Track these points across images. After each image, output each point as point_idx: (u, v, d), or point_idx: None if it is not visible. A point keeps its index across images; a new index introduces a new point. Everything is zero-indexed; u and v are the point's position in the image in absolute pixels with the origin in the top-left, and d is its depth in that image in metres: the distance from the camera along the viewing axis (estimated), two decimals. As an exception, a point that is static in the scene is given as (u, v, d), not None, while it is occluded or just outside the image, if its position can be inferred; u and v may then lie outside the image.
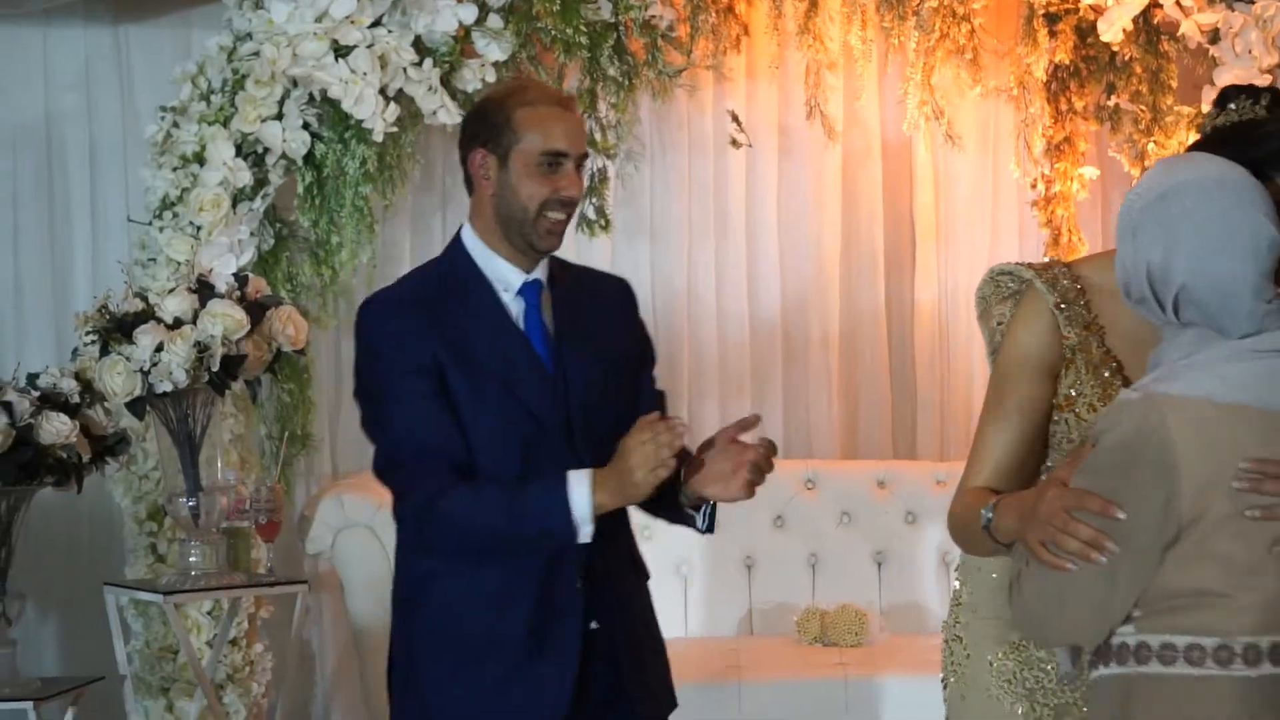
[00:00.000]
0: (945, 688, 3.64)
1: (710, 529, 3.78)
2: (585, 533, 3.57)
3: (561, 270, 3.87)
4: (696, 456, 3.69)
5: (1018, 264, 3.49)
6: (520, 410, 3.67)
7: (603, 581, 3.71)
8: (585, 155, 3.77)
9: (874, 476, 6.65)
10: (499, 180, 3.71)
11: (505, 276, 3.75)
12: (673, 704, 3.91)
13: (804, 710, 5.79)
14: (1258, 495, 2.83)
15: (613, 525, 3.69)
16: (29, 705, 5.06)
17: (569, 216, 3.74)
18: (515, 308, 3.74)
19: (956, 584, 3.68)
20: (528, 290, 3.75)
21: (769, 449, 3.62)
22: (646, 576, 3.91)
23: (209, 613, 5.90)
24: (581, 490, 3.55)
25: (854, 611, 6.21)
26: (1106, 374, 3.31)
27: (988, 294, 3.51)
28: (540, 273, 3.77)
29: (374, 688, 5.78)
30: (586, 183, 5.82)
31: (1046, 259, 3.54)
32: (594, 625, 3.70)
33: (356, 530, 5.76)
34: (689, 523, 3.78)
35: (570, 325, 3.77)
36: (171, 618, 5.42)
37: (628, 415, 3.73)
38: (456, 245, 3.81)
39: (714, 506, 3.74)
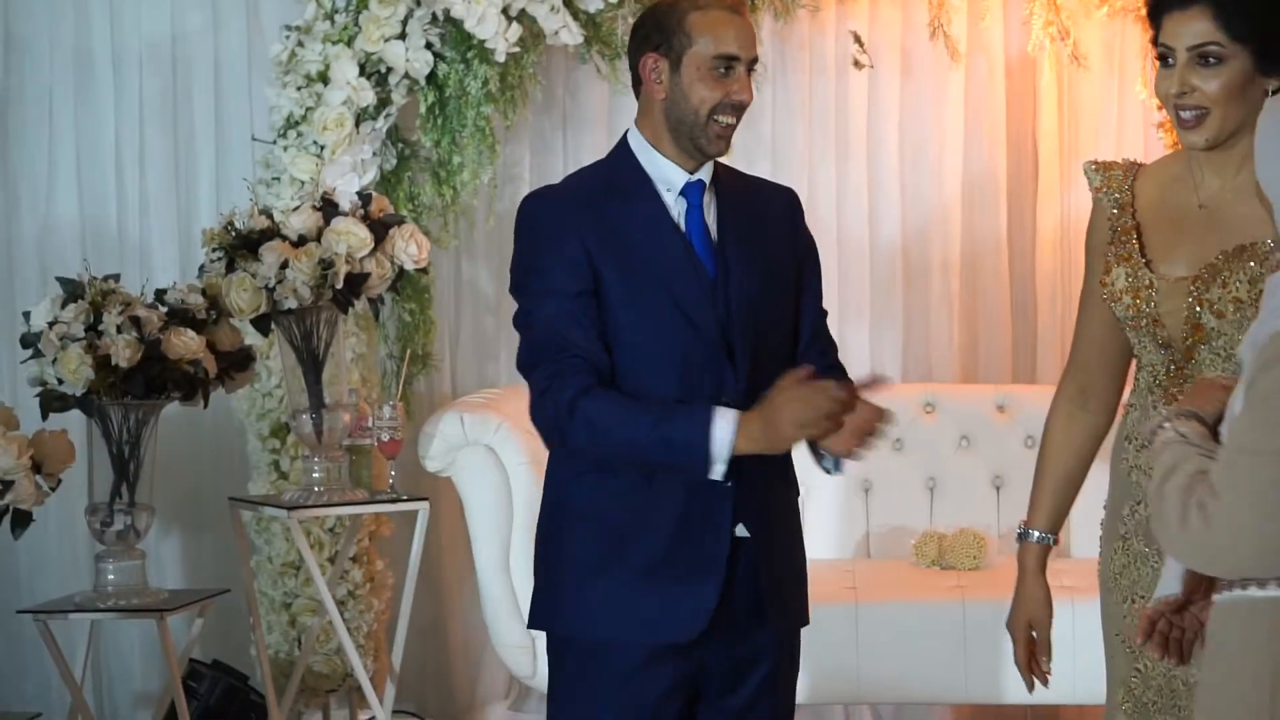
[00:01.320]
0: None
1: (835, 470, 3.80)
2: (718, 471, 3.57)
3: (728, 174, 3.87)
4: None
5: (1090, 161, 3.73)
6: (676, 312, 3.67)
7: (753, 489, 3.71)
8: (756, 59, 3.76)
9: (994, 400, 6.61)
10: (671, 84, 3.71)
11: (669, 176, 3.75)
12: (805, 620, 3.93)
13: (921, 632, 5.79)
14: None
15: None
16: (156, 617, 5.14)
17: (738, 120, 3.74)
18: (678, 208, 3.75)
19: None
20: (691, 190, 3.75)
21: (881, 414, 3.62)
22: (797, 492, 3.91)
23: (331, 530, 5.96)
24: (725, 430, 3.54)
25: (972, 535, 6.19)
26: (1125, 239, 3.54)
27: (1090, 188, 3.72)
28: (705, 174, 3.77)
29: (493, 606, 5.83)
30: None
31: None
32: (742, 533, 3.72)
33: (476, 449, 5.78)
34: (818, 462, 3.80)
35: (733, 229, 3.77)
36: (295, 533, 5.48)
37: (788, 327, 3.75)
38: (622, 146, 3.83)
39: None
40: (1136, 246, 3.49)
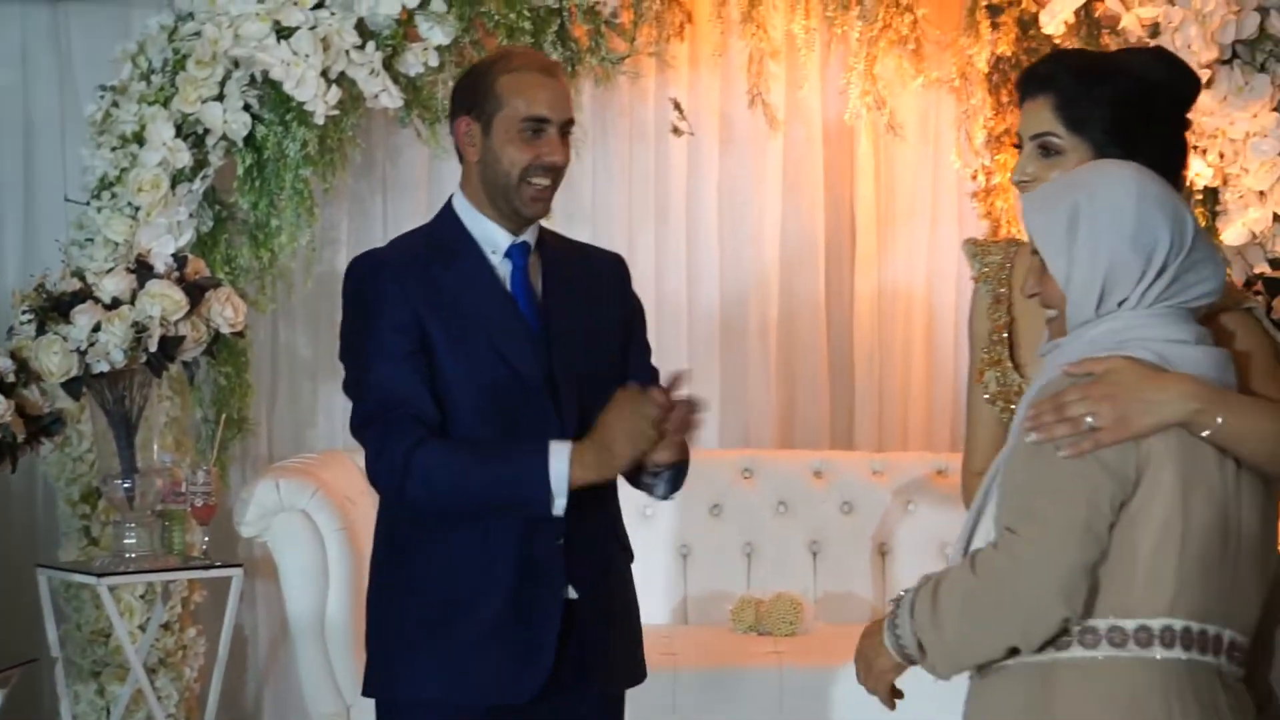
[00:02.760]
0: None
1: (666, 493, 3.82)
2: (559, 505, 3.59)
3: (554, 239, 3.90)
4: None
5: (971, 239, 3.67)
6: (503, 366, 3.68)
7: (583, 551, 3.72)
8: (570, 121, 3.77)
9: (811, 466, 6.66)
10: (483, 147, 3.73)
11: (493, 238, 3.76)
12: (641, 677, 3.96)
13: (738, 699, 5.79)
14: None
15: (597, 498, 3.71)
16: (-41, 687, 5.02)
17: (554, 183, 3.75)
18: (502, 269, 3.76)
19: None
20: (514, 252, 3.77)
21: (691, 406, 3.65)
22: (630, 555, 3.94)
23: (142, 596, 5.87)
24: (560, 462, 3.57)
25: (789, 600, 6.21)
26: (995, 340, 3.48)
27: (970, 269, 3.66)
28: (529, 236, 3.79)
29: (307, 673, 5.76)
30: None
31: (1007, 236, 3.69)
32: (572, 594, 3.71)
33: (292, 515, 5.72)
34: (650, 490, 3.81)
35: (559, 289, 3.79)
36: (105, 600, 5.40)
37: (615, 381, 3.74)
38: (447, 209, 3.84)
39: (674, 472, 3.77)
40: (1007, 349, 3.46)
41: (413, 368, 3.67)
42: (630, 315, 3.95)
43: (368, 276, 3.77)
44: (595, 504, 3.72)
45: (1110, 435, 2.84)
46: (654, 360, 6.66)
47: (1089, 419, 2.85)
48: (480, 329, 3.69)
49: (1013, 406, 3.39)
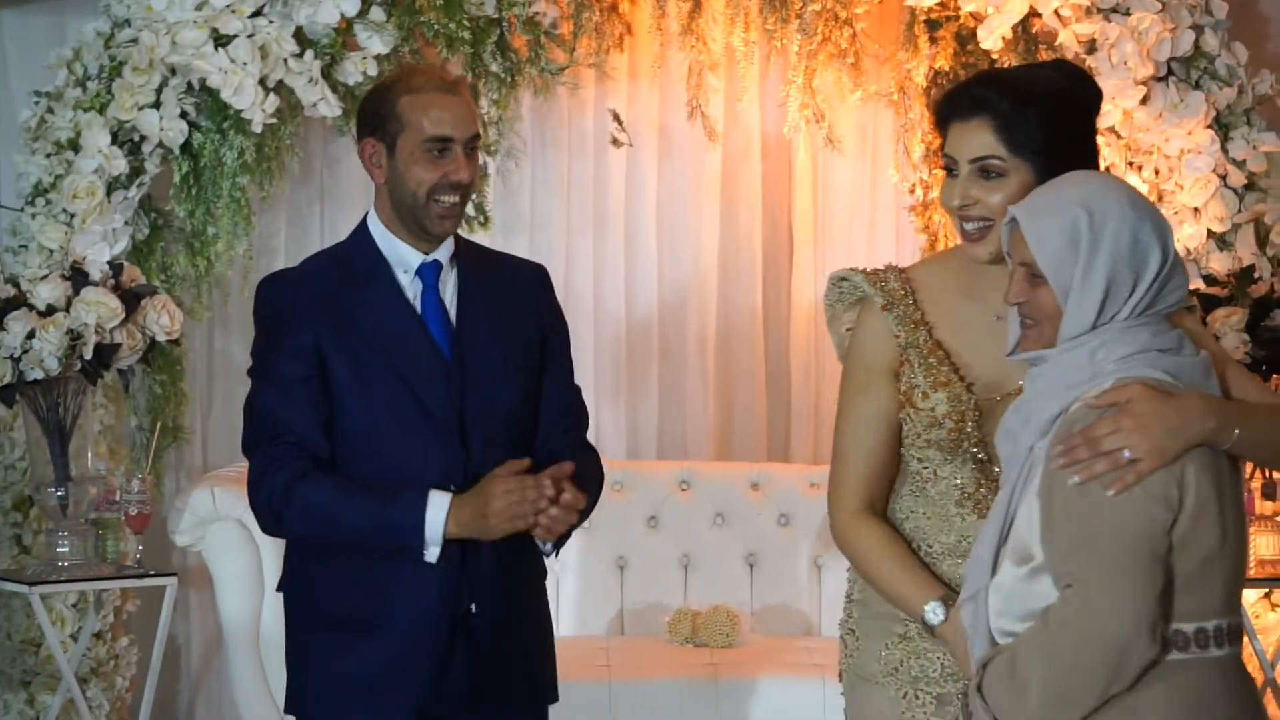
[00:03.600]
0: (841, 679, 3.69)
1: (554, 553, 3.82)
2: (432, 554, 3.61)
3: (471, 252, 3.88)
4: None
5: (852, 269, 3.61)
6: (409, 397, 3.67)
7: (486, 565, 3.71)
8: (476, 137, 3.76)
9: (748, 478, 6.66)
10: (389, 168, 3.72)
11: (404, 258, 3.76)
12: (552, 697, 3.92)
13: (674, 710, 5.80)
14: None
15: None
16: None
17: (462, 200, 3.75)
18: (413, 289, 3.75)
19: (849, 581, 3.70)
20: (426, 271, 3.76)
21: (568, 504, 3.65)
22: (542, 570, 3.91)
23: (74, 605, 5.83)
24: (438, 513, 3.58)
25: (725, 612, 6.22)
26: (934, 362, 3.44)
27: (833, 300, 3.64)
28: (442, 254, 3.77)
29: (241, 683, 5.74)
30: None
31: (884, 265, 3.64)
32: (473, 609, 3.71)
33: (227, 524, 5.70)
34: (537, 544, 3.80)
35: (473, 307, 3.78)
36: (37, 609, 5.36)
37: (531, 406, 3.74)
38: (360, 230, 3.83)
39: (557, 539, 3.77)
40: (952, 369, 3.43)
41: (306, 395, 3.66)
42: (550, 329, 3.92)
43: (272, 299, 3.77)
44: None
45: (1149, 465, 2.91)
46: (593, 371, 6.78)
47: (1125, 452, 2.90)
48: (388, 358, 3.68)
49: (963, 424, 3.40)
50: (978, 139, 3.33)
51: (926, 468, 3.48)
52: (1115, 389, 2.96)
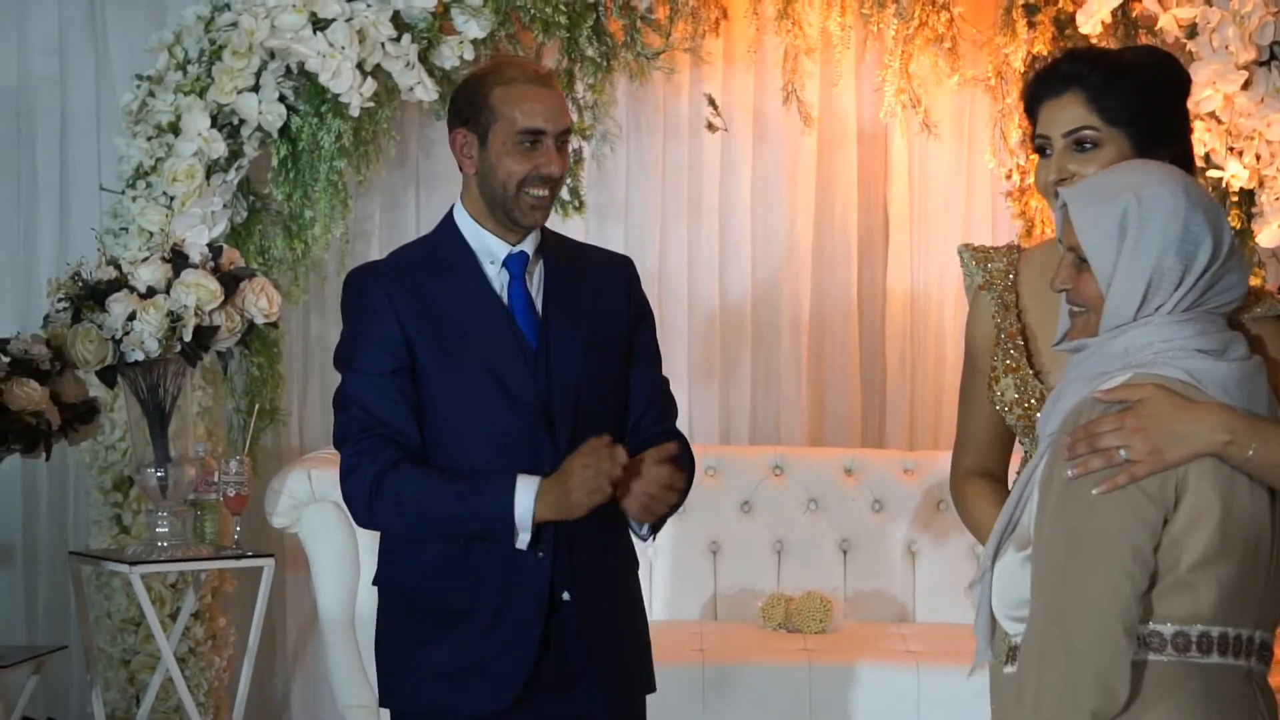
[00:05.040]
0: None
1: (651, 537, 3.82)
2: (522, 540, 3.61)
3: (557, 244, 3.87)
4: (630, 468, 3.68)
5: (966, 245, 3.64)
6: (496, 387, 3.67)
7: (579, 555, 3.71)
8: (567, 131, 3.76)
9: (842, 464, 6.64)
10: (480, 159, 3.72)
11: (491, 248, 3.75)
12: (649, 687, 3.92)
13: (767, 695, 5.79)
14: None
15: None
16: (-9, 673, 5.04)
17: (552, 192, 3.74)
18: (500, 280, 3.75)
19: None
20: (512, 262, 3.75)
21: (669, 482, 3.64)
22: (634, 558, 3.91)
23: (173, 585, 5.88)
24: (526, 497, 3.58)
25: (819, 598, 6.20)
26: (1011, 347, 3.45)
27: (964, 273, 3.63)
28: (528, 245, 3.77)
29: (337, 665, 5.77)
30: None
31: (1005, 243, 3.63)
32: (565, 597, 3.71)
33: (323, 505, 5.73)
34: (632, 529, 3.81)
35: (560, 299, 3.77)
36: (137, 589, 5.41)
37: (618, 398, 3.74)
38: (447, 221, 3.83)
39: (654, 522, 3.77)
40: (1025, 355, 3.43)
41: (396, 386, 3.67)
42: (636, 321, 3.92)
43: (360, 289, 3.77)
44: (593, 510, 3.69)
45: (1144, 468, 2.84)
46: (688, 357, 6.77)
47: (1123, 451, 2.85)
48: (475, 348, 3.68)
49: (1031, 411, 3.39)
50: (1070, 112, 3.31)
51: (1027, 452, 3.48)
52: (1128, 386, 2.90)
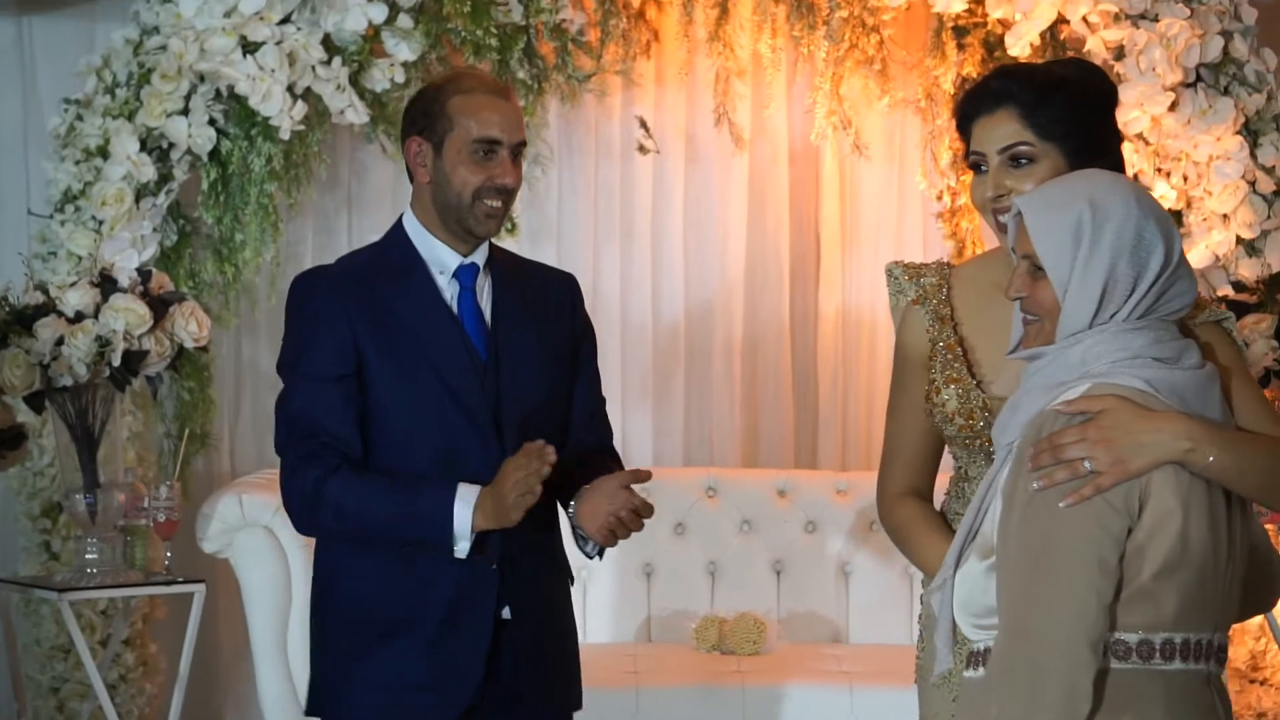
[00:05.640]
0: (915, 681, 3.69)
1: (598, 555, 3.81)
2: (461, 549, 3.61)
3: (504, 258, 3.88)
4: (588, 487, 3.69)
5: (896, 263, 3.67)
6: (446, 395, 3.68)
7: (519, 572, 3.72)
8: (522, 143, 3.77)
9: (775, 485, 6.65)
10: (435, 168, 3.73)
11: (442, 259, 3.76)
12: (577, 704, 3.92)
13: (701, 718, 5.79)
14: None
15: (536, 519, 3.69)
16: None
17: (506, 203, 3.75)
18: (450, 290, 3.76)
19: (923, 585, 3.73)
20: (463, 273, 3.77)
21: (639, 510, 3.64)
22: (569, 576, 3.92)
23: (103, 612, 5.84)
24: (465, 506, 3.58)
25: (752, 620, 6.21)
26: (951, 358, 3.47)
27: (891, 291, 3.65)
28: (479, 257, 3.78)
29: (268, 689, 5.74)
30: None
31: (935, 260, 3.68)
32: (506, 614, 3.72)
33: (255, 530, 5.71)
34: (580, 544, 3.79)
35: (508, 311, 3.78)
36: (66, 616, 5.37)
37: (562, 410, 3.75)
38: (397, 229, 3.83)
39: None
40: (965, 366, 3.46)
41: (340, 392, 3.67)
42: (581, 337, 3.94)
43: (309, 294, 3.77)
44: (534, 525, 3.70)
45: (1109, 479, 2.86)
46: (620, 378, 6.77)
47: (1087, 463, 2.87)
48: (425, 356, 3.69)
49: (974, 422, 3.41)
50: (1004, 128, 3.35)
51: (960, 466, 3.53)
52: (1088, 397, 2.92)
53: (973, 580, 3.02)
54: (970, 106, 3.42)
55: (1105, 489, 2.86)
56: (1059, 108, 3.32)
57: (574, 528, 3.74)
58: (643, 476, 3.68)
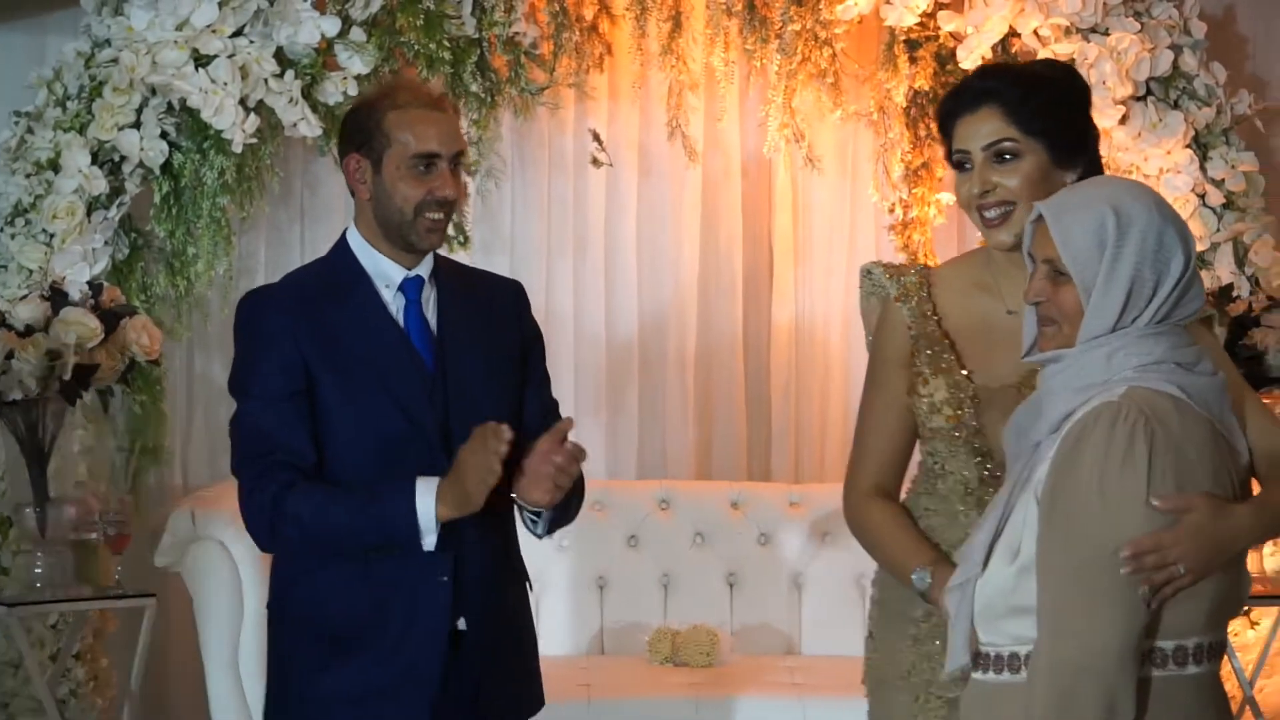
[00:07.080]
0: (864, 682, 3.74)
1: (545, 533, 3.82)
2: (428, 542, 3.61)
3: (449, 268, 3.89)
4: (521, 462, 3.70)
5: (875, 263, 3.75)
6: (394, 409, 3.69)
7: (474, 582, 3.73)
8: (461, 153, 3.78)
9: (728, 497, 6.66)
10: (374, 184, 3.74)
11: (386, 272, 3.77)
12: (538, 706, 3.95)
13: (654, 730, 5.80)
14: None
15: (489, 528, 3.71)
16: None
17: (448, 215, 3.76)
18: (395, 304, 3.77)
19: (872, 584, 3.77)
20: (408, 286, 3.78)
21: (573, 453, 3.65)
22: (526, 580, 3.93)
23: (53, 626, 5.81)
24: (427, 499, 3.58)
25: (705, 632, 6.21)
26: (938, 350, 3.54)
27: (865, 293, 3.73)
28: (423, 269, 3.79)
29: (220, 703, 5.72)
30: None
31: (909, 262, 3.77)
32: (461, 625, 3.72)
33: (207, 544, 5.68)
34: (529, 527, 3.82)
35: (455, 322, 3.79)
36: (15, 630, 5.34)
37: (512, 418, 3.75)
38: (341, 245, 3.84)
39: (552, 514, 3.78)
40: (954, 358, 3.52)
41: (293, 409, 3.67)
42: (528, 344, 3.95)
43: (255, 314, 3.77)
44: (487, 534, 3.73)
45: (1190, 578, 2.99)
46: (573, 390, 6.77)
47: (1180, 567, 2.97)
48: (372, 371, 3.69)
49: (961, 413, 3.47)
50: (988, 125, 3.43)
51: (936, 462, 3.55)
52: (1178, 497, 2.97)
53: (997, 583, 3.07)
54: (953, 105, 3.50)
55: (1185, 588, 2.98)
56: (1041, 104, 3.41)
57: (520, 509, 3.77)
58: (565, 427, 3.67)
